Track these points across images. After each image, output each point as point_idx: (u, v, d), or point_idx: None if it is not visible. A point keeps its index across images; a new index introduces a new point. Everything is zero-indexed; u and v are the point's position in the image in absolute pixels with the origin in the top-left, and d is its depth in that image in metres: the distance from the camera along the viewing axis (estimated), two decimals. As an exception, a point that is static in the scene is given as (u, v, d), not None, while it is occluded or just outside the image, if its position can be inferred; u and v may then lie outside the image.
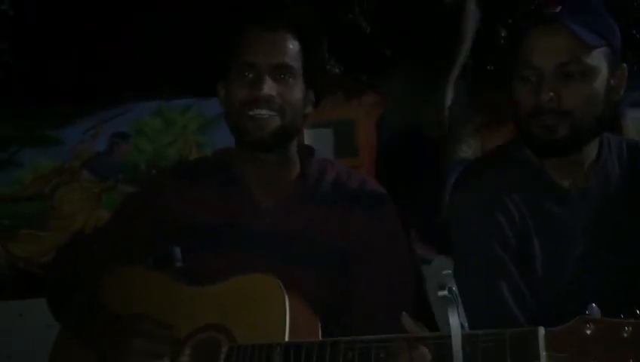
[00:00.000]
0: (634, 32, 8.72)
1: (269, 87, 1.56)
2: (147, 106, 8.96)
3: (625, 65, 1.58)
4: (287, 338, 1.40)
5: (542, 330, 1.12)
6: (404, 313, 1.23)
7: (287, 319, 1.42)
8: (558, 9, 1.50)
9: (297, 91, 1.61)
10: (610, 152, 1.63)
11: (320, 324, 1.48)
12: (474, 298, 1.51)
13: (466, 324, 1.16)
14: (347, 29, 7.41)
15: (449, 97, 3.01)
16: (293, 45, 1.61)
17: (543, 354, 1.10)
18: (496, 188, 1.60)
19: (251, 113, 1.57)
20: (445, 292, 1.09)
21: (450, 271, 1.12)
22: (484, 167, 1.68)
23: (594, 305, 1.10)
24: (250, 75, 1.58)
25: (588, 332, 1.08)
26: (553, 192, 1.59)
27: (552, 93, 1.49)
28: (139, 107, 8.89)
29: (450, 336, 1.13)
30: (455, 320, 1.10)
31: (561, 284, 1.56)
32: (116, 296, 1.62)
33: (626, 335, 1.04)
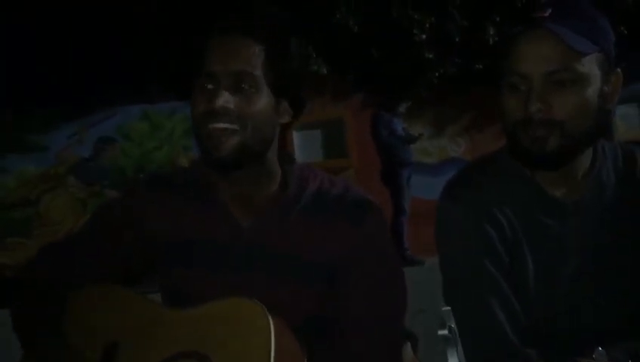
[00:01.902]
0: (621, 28, 8.71)
1: (224, 99, 1.45)
2: (133, 110, 8.97)
3: (619, 70, 1.50)
4: None
5: None
6: (405, 344, 1.16)
7: (272, 349, 1.34)
8: (548, 13, 1.43)
9: (261, 102, 1.49)
10: (605, 160, 1.56)
11: (306, 355, 1.41)
12: (463, 315, 1.44)
13: None
14: (334, 29, 7.40)
15: None
16: (254, 51, 1.48)
17: None
18: (485, 200, 1.53)
19: (209, 127, 1.47)
20: (445, 332, 1.03)
21: (449, 308, 1.05)
22: (473, 177, 1.61)
23: (600, 348, 1.03)
24: (210, 86, 1.48)
25: None
26: (545, 203, 1.52)
27: (539, 104, 1.42)
28: (125, 111, 8.91)
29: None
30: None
31: (555, 301, 1.50)
32: (88, 317, 1.53)
33: (634, 382, 0.98)
